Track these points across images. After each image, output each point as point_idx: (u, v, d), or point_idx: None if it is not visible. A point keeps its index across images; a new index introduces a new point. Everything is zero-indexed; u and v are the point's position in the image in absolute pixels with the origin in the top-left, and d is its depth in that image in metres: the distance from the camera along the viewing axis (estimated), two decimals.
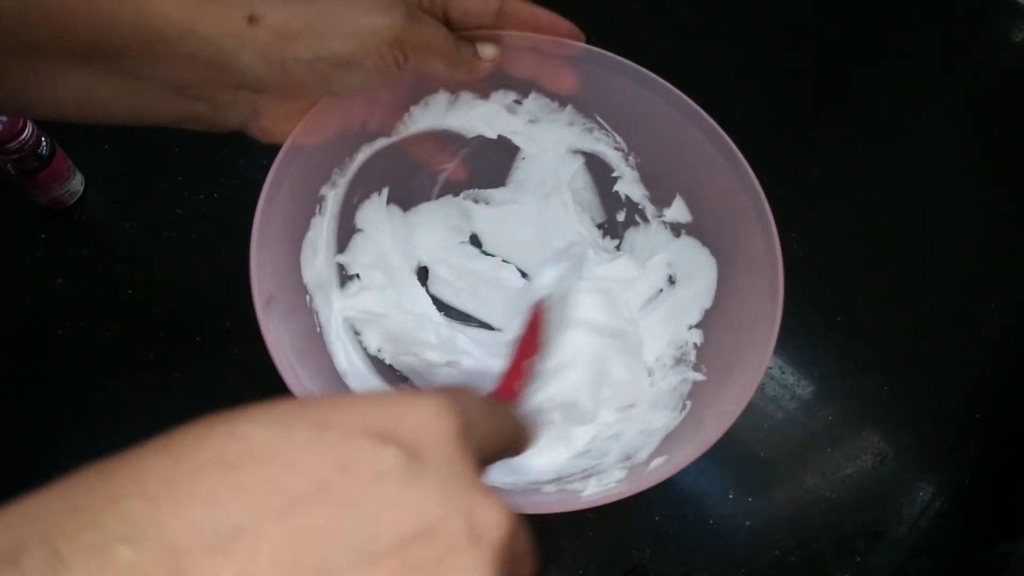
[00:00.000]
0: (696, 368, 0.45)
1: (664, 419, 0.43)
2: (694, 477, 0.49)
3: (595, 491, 0.38)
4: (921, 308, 0.57)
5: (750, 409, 0.50)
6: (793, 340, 0.54)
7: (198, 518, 0.15)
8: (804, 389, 0.53)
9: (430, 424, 0.17)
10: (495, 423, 0.21)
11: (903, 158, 0.64)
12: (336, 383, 0.43)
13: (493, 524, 0.17)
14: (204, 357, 0.50)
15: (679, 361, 0.46)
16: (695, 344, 0.46)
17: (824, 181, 0.62)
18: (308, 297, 0.44)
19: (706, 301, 0.46)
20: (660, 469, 0.36)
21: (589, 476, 0.41)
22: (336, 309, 0.47)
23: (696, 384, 0.44)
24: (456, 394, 0.19)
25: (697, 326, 0.46)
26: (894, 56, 0.68)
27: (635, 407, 0.47)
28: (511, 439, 0.22)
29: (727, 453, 0.50)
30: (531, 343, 0.42)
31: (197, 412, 0.53)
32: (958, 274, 0.59)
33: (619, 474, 0.39)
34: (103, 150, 0.57)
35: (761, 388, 0.52)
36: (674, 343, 0.47)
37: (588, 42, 0.42)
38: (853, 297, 0.57)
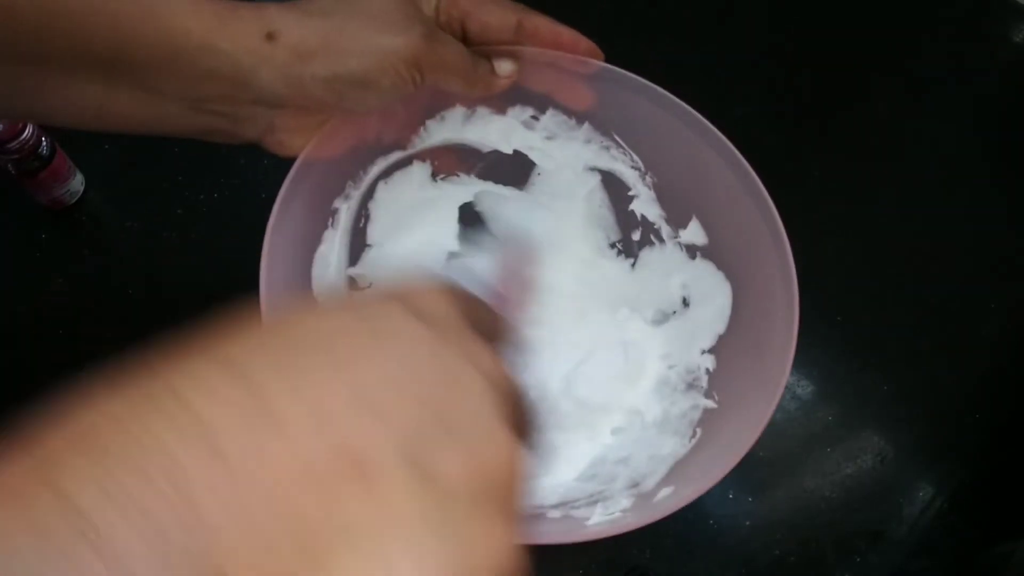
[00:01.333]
0: (708, 395, 0.44)
1: (673, 445, 0.42)
2: None
3: (601, 519, 0.38)
4: (921, 308, 0.57)
5: None
6: None
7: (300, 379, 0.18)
8: (804, 389, 0.53)
9: (442, 304, 0.22)
10: (485, 315, 0.24)
11: (903, 157, 0.63)
12: None
13: (500, 376, 0.21)
14: None
15: (690, 387, 0.46)
16: (707, 370, 0.45)
17: (824, 180, 0.61)
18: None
19: (720, 326, 0.45)
20: (668, 501, 0.36)
21: (595, 502, 0.40)
22: None
23: (707, 411, 0.43)
24: (455, 288, 0.23)
25: (710, 351, 0.46)
26: (894, 56, 0.68)
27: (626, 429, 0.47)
28: (495, 329, 0.25)
29: None
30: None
31: None
32: (958, 274, 0.59)
33: (626, 502, 0.39)
34: (103, 150, 0.57)
35: None
36: (686, 367, 0.47)
37: None
38: (853, 297, 0.57)
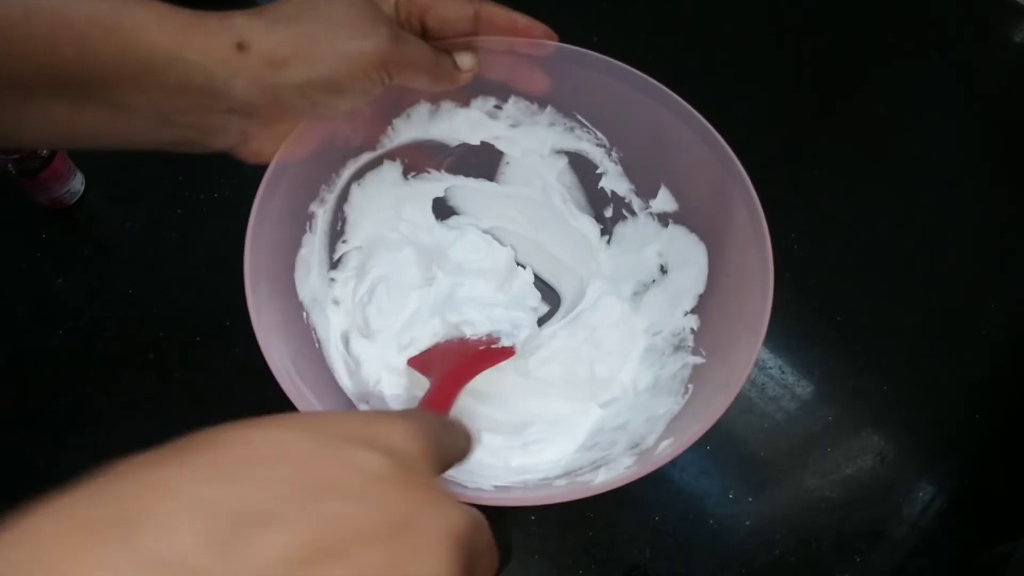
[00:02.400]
0: (695, 352, 0.45)
1: (668, 405, 0.43)
2: (694, 477, 0.49)
3: (605, 479, 0.38)
4: (921, 308, 0.57)
5: (750, 409, 0.51)
6: (793, 340, 0.55)
7: (233, 500, 0.17)
8: (804, 389, 0.53)
9: (407, 443, 0.22)
10: (450, 440, 0.25)
11: (903, 158, 0.64)
12: (338, 396, 0.43)
13: (457, 520, 0.20)
14: (204, 357, 0.50)
15: (677, 348, 0.47)
16: (692, 329, 0.46)
17: (824, 181, 0.62)
18: (305, 314, 0.44)
19: (699, 286, 0.46)
20: (668, 450, 0.36)
21: (599, 467, 0.41)
22: (333, 324, 0.47)
23: (696, 367, 0.44)
24: (422, 418, 0.23)
25: (692, 312, 0.47)
26: (894, 56, 0.69)
27: (618, 399, 0.47)
28: (462, 451, 0.26)
29: (727, 453, 0.50)
30: (467, 372, 0.43)
31: (197, 412, 0.54)
32: (958, 274, 0.59)
33: (628, 461, 0.39)
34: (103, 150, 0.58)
35: (761, 388, 0.53)
36: (671, 331, 0.48)
37: (589, 43, 0.43)
38: (853, 297, 0.57)
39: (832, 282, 0.57)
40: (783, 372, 0.53)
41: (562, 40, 0.42)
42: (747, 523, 0.48)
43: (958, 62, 0.69)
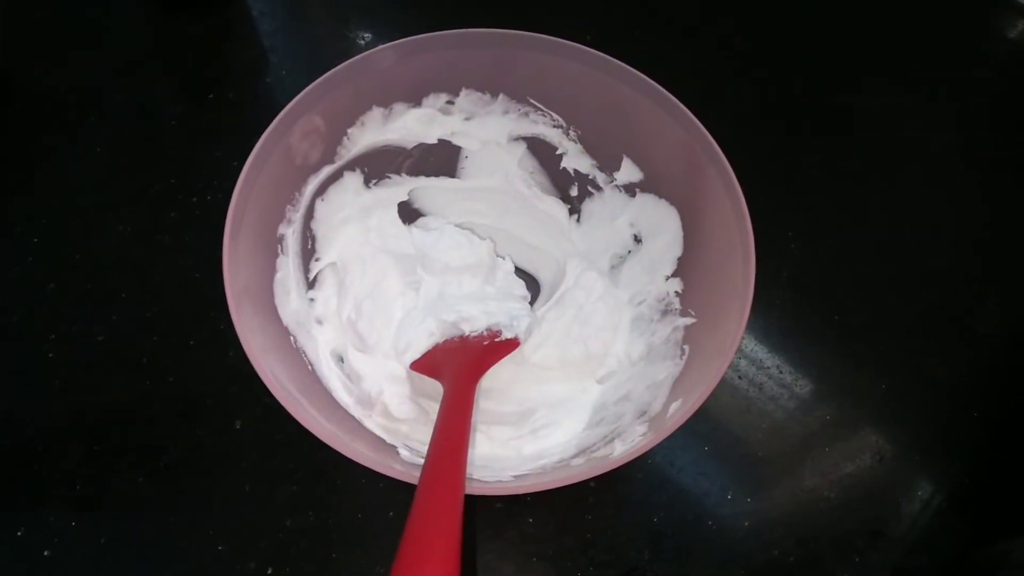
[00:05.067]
0: (684, 314, 0.46)
1: (667, 369, 0.44)
2: (693, 478, 0.49)
3: (623, 450, 0.38)
4: (918, 306, 0.57)
5: (748, 409, 0.52)
6: (791, 339, 0.55)
7: None
8: (802, 388, 0.53)
9: None
10: None
11: (900, 155, 0.63)
12: (340, 415, 0.43)
13: None
14: (197, 361, 0.49)
15: (665, 313, 0.47)
16: (676, 292, 0.47)
17: (821, 179, 0.62)
18: (292, 338, 0.43)
19: (676, 249, 0.47)
20: (679, 412, 0.37)
21: (612, 440, 0.41)
22: (321, 343, 0.46)
23: (688, 328, 0.45)
24: None
25: (674, 275, 0.47)
26: (892, 53, 0.69)
27: (615, 372, 0.48)
28: None
29: (726, 453, 0.50)
30: (478, 368, 0.43)
31: (190, 416, 0.53)
32: (955, 272, 0.59)
33: (641, 428, 0.40)
34: (95, 153, 0.56)
35: (760, 387, 0.53)
36: (655, 297, 0.48)
37: (583, 42, 0.43)
38: (851, 296, 0.57)
39: (829, 281, 0.57)
40: (781, 371, 0.54)
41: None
42: (745, 524, 0.48)
43: (954, 58, 0.69)
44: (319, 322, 0.47)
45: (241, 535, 0.45)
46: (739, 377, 0.53)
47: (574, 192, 0.53)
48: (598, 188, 0.51)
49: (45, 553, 0.43)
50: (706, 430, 0.51)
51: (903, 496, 0.50)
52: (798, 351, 0.55)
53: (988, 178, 0.63)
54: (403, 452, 0.40)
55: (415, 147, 0.50)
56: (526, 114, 0.49)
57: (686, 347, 0.44)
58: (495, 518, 0.47)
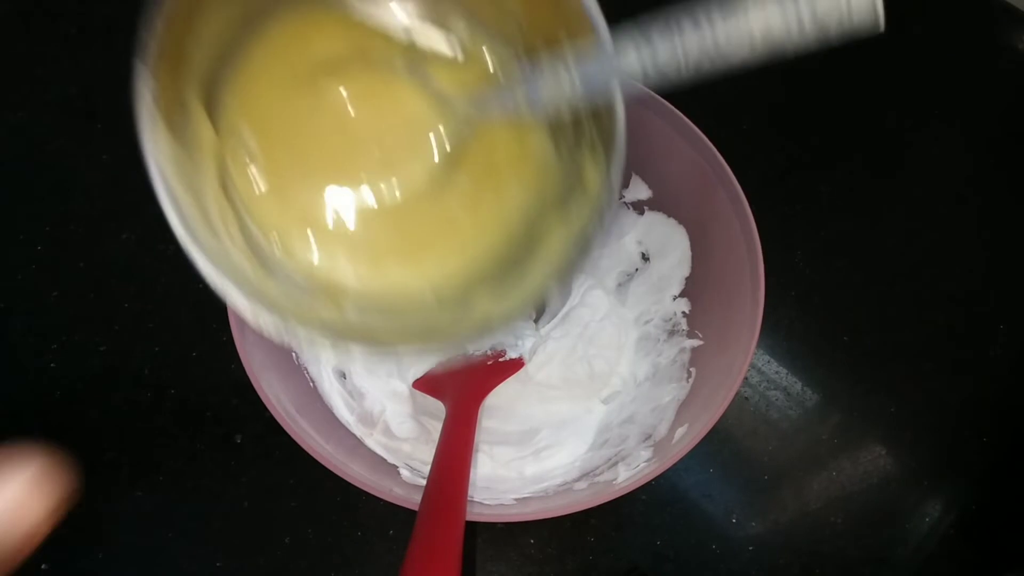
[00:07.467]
0: (691, 335, 0.45)
1: (673, 391, 0.43)
2: (696, 500, 0.48)
3: (627, 476, 0.38)
4: (928, 329, 0.56)
5: (755, 431, 0.51)
6: (799, 360, 0.54)
7: None
8: (810, 410, 0.52)
9: None
10: None
11: (910, 174, 0.62)
12: (341, 432, 0.42)
13: None
14: (199, 373, 0.49)
15: (672, 333, 0.47)
16: (683, 313, 0.46)
17: (830, 200, 0.60)
18: (294, 355, 0.43)
19: (684, 269, 0.47)
20: (685, 439, 0.36)
21: (616, 463, 0.41)
22: (323, 361, 0.46)
23: (695, 350, 0.44)
24: None
25: (681, 295, 0.47)
26: (899, 69, 0.68)
27: (619, 392, 0.47)
28: None
29: (731, 476, 0.49)
30: (482, 389, 0.42)
31: (191, 429, 0.52)
32: (966, 294, 0.58)
33: (646, 454, 0.39)
34: (100, 160, 0.56)
35: (766, 409, 0.52)
36: (662, 317, 0.48)
37: None
38: (859, 317, 0.56)
39: (838, 302, 0.56)
40: (788, 394, 0.53)
41: None
42: (750, 548, 0.47)
43: (964, 72, 0.68)
44: None
45: (239, 552, 0.44)
46: (746, 398, 0.52)
47: None
48: None
49: (43, 567, 0.43)
50: (711, 451, 0.50)
51: (910, 522, 0.49)
52: (806, 372, 0.54)
53: (999, 201, 0.62)
54: (404, 473, 0.40)
55: None
56: None
57: (692, 369, 0.43)
58: (496, 539, 0.46)
